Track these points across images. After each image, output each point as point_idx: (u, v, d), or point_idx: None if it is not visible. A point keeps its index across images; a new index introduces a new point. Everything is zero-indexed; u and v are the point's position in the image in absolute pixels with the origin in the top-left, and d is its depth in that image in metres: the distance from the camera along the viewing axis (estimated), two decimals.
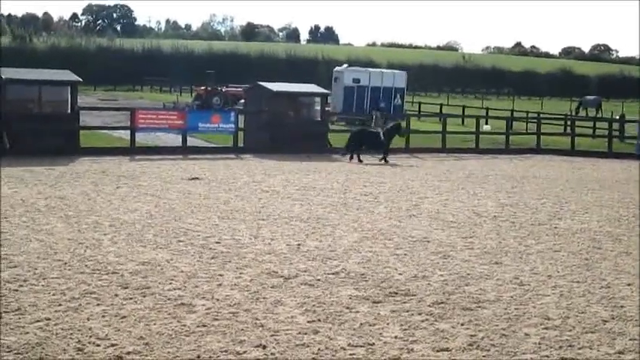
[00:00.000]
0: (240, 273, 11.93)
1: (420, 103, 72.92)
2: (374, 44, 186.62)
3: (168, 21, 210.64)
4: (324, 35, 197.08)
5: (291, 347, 8.59)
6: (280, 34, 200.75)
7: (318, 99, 37.34)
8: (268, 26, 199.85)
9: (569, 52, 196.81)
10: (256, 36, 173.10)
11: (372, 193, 21.77)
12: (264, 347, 8.57)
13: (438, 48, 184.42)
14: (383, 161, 32.34)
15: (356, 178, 25.28)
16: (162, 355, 8.29)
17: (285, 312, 9.92)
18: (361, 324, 9.45)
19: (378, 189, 22.66)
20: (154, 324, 9.28)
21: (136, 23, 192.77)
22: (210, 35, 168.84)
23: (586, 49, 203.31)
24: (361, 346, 8.66)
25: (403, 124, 37.56)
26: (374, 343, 8.75)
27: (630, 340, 9.17)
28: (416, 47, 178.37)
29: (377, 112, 38.55)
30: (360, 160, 31.99)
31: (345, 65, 63.10)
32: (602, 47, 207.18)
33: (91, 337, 8.74)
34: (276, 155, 31.43)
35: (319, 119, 36.57)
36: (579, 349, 8.80)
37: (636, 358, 8.57)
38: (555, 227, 17.05)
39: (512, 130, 46.70)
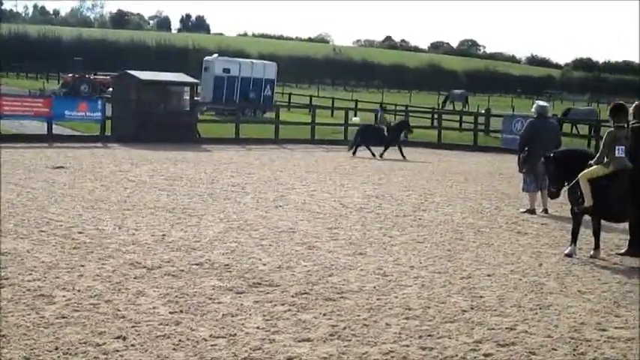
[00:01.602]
0: (103, 264, 11.75)
1: (290, 94, 73.19)
2: (245, 34, 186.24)
3: (35, 6, 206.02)
4: (196, 24, 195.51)
5: (151, 338, 8.50)
6: (151, 22, 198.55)
7: (187, 88, 37.13)
8: (139, 14, 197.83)
9: (437, 47, 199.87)
10: (127, 24, 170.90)
11: (239, 183, 21.71)
12: (125, 338, 8.46)
13: (310, 40, 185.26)
14: (379, 157, 33.03)
15: (224, 169, 25.18)
16: (19, 347, 8.10)
17: (147, 303, 9.80)
18: (223, 315, 9.41)
19: (245, 180, 22.61)
20: (12, 315, 9.06)
21: (2, 8, 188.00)
22: (79, 22, 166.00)
23: (454, 44, 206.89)
24: (223, 337, 8.62)
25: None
26: (236, 334, 8.72)
27: (488, 329, 9.34)
28: (287, 39, 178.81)
29: (381, 110, 38.98)
30: (372, 155, 33.21)
31: (216, 55, 62.83)
32: (470, 42, 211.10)
33: None
34: (144, 145, 31.10)
35: (188, 109, 36.30)
36: (438, 338, 8.93)
37: (493, 346, 8.74)
38: (419, 219, 17.29)
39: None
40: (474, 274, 12.28)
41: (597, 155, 14.05)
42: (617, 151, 13.65)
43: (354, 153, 33.15)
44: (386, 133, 33.70)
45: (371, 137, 33.76)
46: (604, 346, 9.01)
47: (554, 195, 15.27)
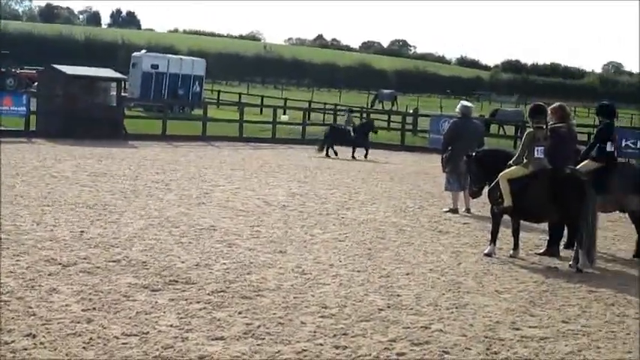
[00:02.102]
0: (17, 260, 11.53)
1: (219, 92, 72.81)
2: (176, 31, 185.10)
3: None
4: (126, 20, 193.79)
5: (62, 336, 8.36)
6: (81, 16, 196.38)
7: (114, 84, 36.71)
8: (68, 8, 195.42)
9: (368, 47, 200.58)
10: (56, 18, 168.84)
11: (163, 180, 21.53)
12: (34, 336, 8.31)
13: (241, 37, 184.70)
14: (352, 158, 33.52)
15: (149, 165, 24.95)
16: None
17: (60, 300, 9.65)
18: (137, 312, 9.30)
19: (170, 176, 22.43)
20: None
21: None
22: (6, 15, 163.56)
23: (385, 44, 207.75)
24: (135, 335, 8.51)
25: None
26: (148, 332, 8.62)
27: (403, 328, 9.35)
28: (218, 35, 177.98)
29: (349, 113, 39.20)
30: (335, 154, 33.80)
31: (144, 51, 62.39)
32: (401, 43, 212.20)
33: None
34: (69, 140, 30.64)
35: (115, 105, 35.91)
36: (353, 337, 8.91)
37: (407, 345, 8.75)
38: (342, 217, 17.30)
39: (310, 121, 47.20)
40: (393, 272, 12.30)
41: (516, 155, 14.19)
42: (536, 152, 13.80)
43: (327, 154, 33.69)
44: (352, 134, 34.32)
45: (337, 138, 34.29)
46: (517, 345, 9.08)
47: (475, 194, 15.42)
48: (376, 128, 37.77)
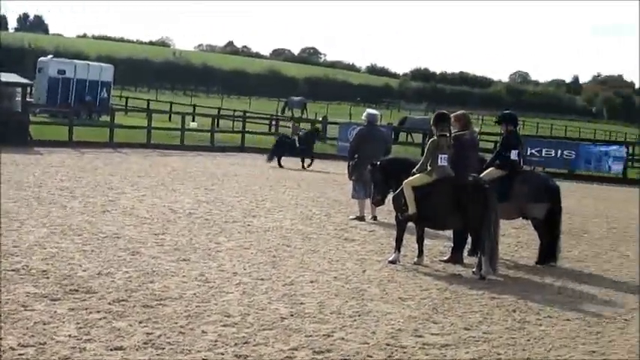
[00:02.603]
0: None
1: (127, 98, 72.08)
2: (85, 36, 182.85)
3: None
4: (34, 24, 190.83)
5: None
6: None
7: (19, 89, 36.13)
8: None
9: (279, 54, 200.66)
10: None
11: (68, 187, 21.21)
12: None
13: (151, 43, 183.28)
14: (302, 167, 34.03)
15: (54, 172, 24.57)
16: None
17: None
18: (35, 322, 9.09)
19: (75, 184, 22.10)
20: None
21: None
22: None
23: (295, 51, 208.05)
24: (32, 346, 8.31)
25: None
26: (45, 343, 8.43)
27: (306, 336, 9.32)
28: (128, 41, 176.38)
29: (294, 123, 39.15)
30: (280, 165, 33.71)
31: (50, 56, 61.41)
32: (311, 50, 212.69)
33: None
34: None
35: (20, 110, 35.32)
36: (254, 345, 8.85)
37: (309, 354, 8.72)
38: (248, 225, 17.23)
39: (219, 128, 47.05)
40: (297, 280, 12.27)
41: (420, 163, 14.28)
42: (439, 160, 13.91)
43: (279, 164, 33.96)
44: (297, 144, 34.77)
45: (284, 148, 34.70)
46: (419, 352, 9.11)
47: (378, 203, 15.52)
48: (320, 136, 38.27)
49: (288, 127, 50.90)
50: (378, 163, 15.21)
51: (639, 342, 9.73)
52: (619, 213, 25.28)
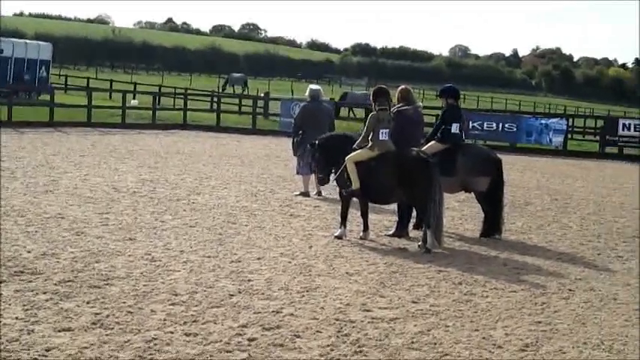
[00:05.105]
0: None
1: (66, 76, 71.38)
2: (22, 14, 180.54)
3: None
4: None
5: None
6: None
7: None
8: None
9: (219, 30, 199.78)
10: None
11: (9, 168, 20.92)
12: None
13: (89, 21, 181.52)
14: None
15: None
16: None
17: None
18: None
19: (16, 164, 21.82)
20: None
21: None
22: None
23: (236, 27, 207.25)
24: None
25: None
26: None
27: (254, 313, 9.32)
28: (66, 19, 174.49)
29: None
30: None
31: None
32: (252, 26, 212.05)
33: None
34: None
35: None
36: (203, 323, 8.84)
37: (258, 330, 8.73)
38: (193, 202, 17.18)
39: (160, 106, 46.78)
40: (244, 257, 12.27)
41: (360, 138, 14.31)
42: (380, 135, 13.95)
43: None
44: None
45: None
46: (368, 326, 9.16)
47: (322, 181, 15.50)
48: None
49: (230, 104, 50.90)
50: (317, 141, 15.16)
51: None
52: (560, 185, 25.55)
